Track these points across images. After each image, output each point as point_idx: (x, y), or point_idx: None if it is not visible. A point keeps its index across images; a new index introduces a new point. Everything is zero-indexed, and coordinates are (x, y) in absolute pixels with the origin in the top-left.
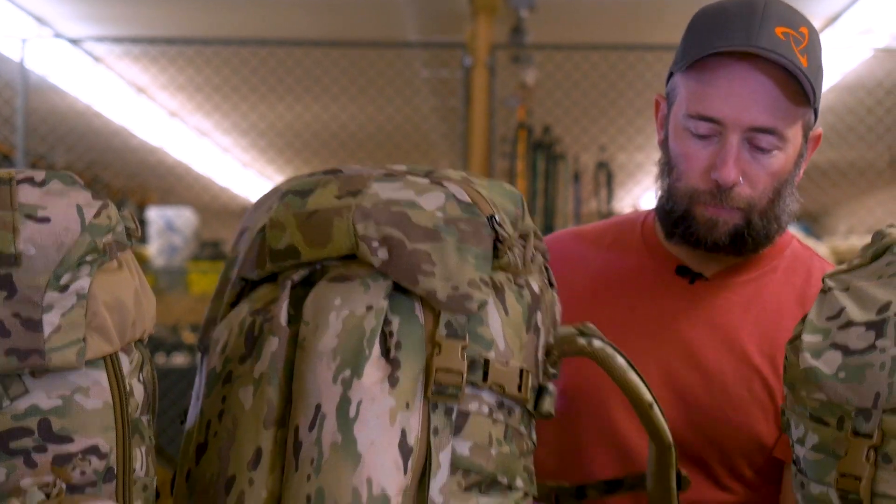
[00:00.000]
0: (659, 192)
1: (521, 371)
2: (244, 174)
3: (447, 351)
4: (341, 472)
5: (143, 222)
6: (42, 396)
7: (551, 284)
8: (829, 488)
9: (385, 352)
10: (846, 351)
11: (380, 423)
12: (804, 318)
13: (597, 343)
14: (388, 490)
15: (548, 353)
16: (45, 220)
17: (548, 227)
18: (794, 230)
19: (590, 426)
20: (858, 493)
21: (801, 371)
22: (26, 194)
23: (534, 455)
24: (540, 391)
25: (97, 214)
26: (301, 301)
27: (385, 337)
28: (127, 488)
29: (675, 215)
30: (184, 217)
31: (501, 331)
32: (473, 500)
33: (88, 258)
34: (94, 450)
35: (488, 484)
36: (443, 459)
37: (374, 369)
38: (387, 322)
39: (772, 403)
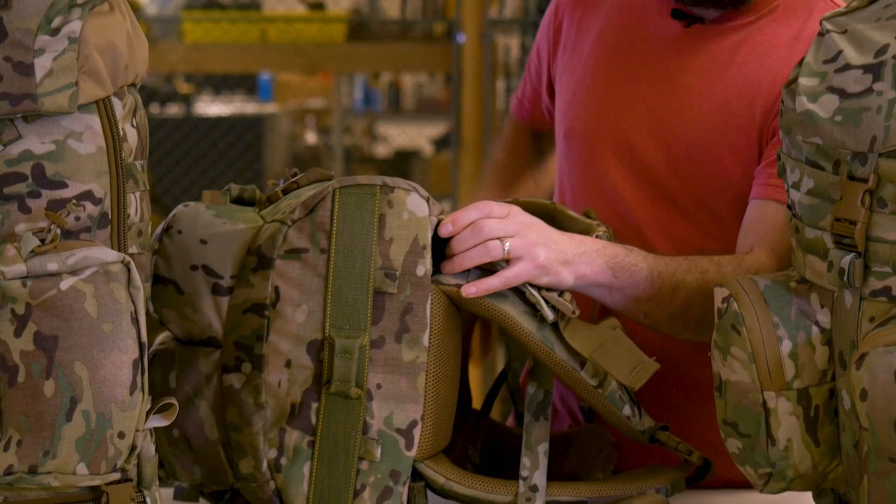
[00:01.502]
0: None
1: None
2: None
3: None
4: None
5: None
6: (35, 141)
7: None
8: (824, 233)
9: None
10: (843, 94)
11: None
12: (801, 62)
13: None
14: None
15: None
16: None
17: None
18: None
19: (584, 171)
20: (853, 237)
21: (797, 115)
22: None
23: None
24: None
25: None
26: None
27: None
28: (121, 234)
29: None
30: None
31: None
32: None
33: (79, 1)
34: (88, 195)
35: None
36: None
37: None
38: None
39: (747, 149)
